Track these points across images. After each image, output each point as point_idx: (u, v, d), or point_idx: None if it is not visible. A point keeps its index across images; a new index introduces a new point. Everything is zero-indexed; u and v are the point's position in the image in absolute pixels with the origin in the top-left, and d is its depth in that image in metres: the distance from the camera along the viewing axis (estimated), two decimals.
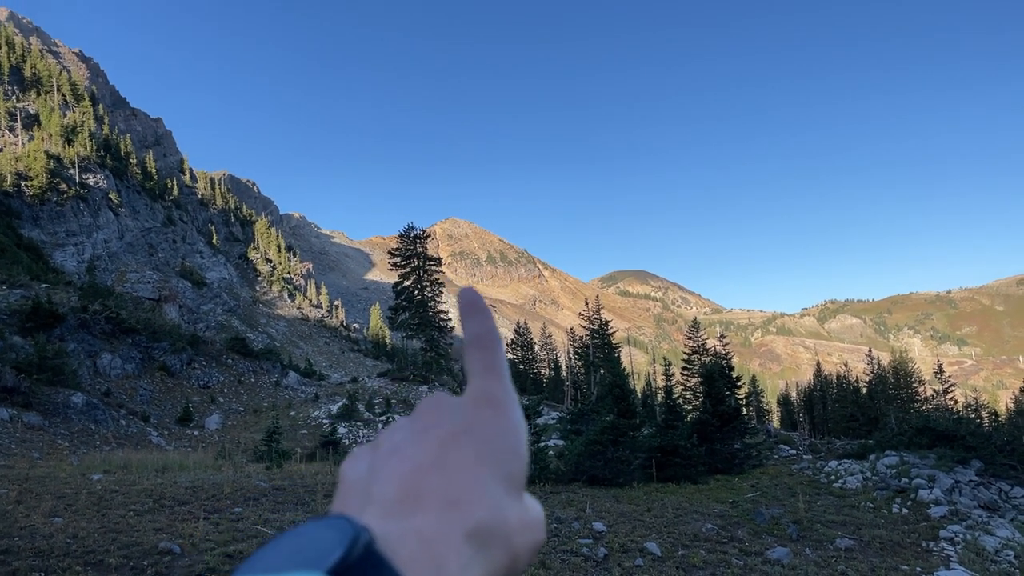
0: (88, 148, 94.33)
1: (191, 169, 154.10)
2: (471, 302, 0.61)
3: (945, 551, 17.75)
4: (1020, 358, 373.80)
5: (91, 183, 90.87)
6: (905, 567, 16.11)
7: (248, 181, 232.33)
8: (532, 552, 0.47)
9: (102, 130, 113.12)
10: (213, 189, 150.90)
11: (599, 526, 16.01)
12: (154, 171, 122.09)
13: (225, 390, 59.20)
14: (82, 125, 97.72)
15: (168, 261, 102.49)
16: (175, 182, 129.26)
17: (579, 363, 62.88)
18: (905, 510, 21.15)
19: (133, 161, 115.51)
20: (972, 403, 62.04)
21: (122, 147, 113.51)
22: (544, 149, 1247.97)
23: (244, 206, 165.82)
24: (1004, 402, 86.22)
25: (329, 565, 0.39)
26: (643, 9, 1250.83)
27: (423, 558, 0.41)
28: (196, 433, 47.64)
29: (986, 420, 54.49)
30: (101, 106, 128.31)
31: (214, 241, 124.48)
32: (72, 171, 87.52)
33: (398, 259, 70.09)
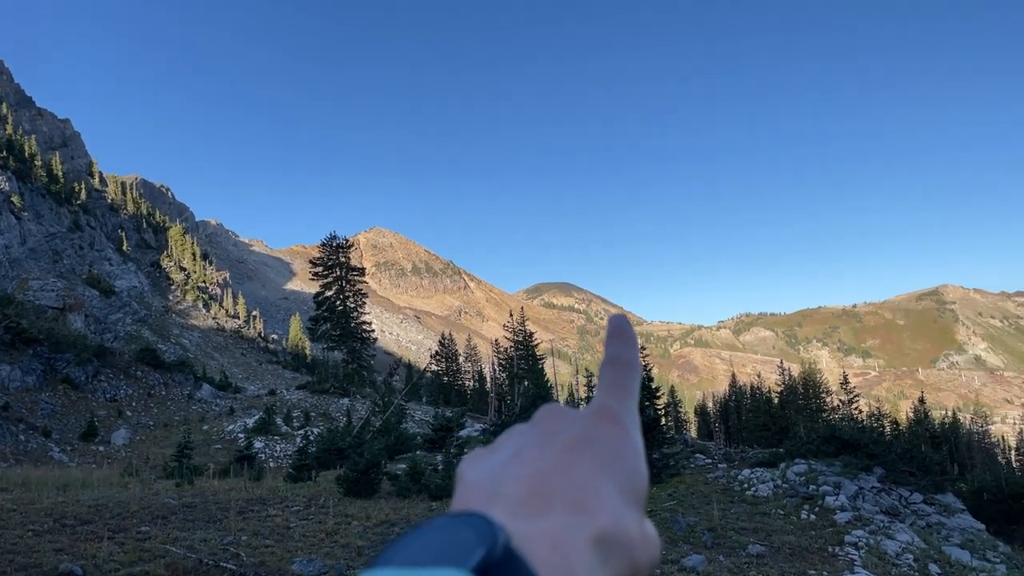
0: None
1: (101, 172, 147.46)
2: (619, 328, 0.62)
3: (850, 555, 18.56)
4: (919, 370, 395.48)
5: None
6: (813, 572, 16.77)
7: (162, 186, 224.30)
8: (651, 568, 0.46)
9: (5, 130, 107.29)
10: (124, 194, 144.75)
11: None
12: (61, 174, 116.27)
13: (134, 403, 56.74)
14: None
15: (74, 268, 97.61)
16: (83, 186, 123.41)
17: (503, 374, 63.00)
18: (813, 516, 22.01)
19: (38, 163, 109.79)
20: (875, 412, 65.07)
21: (26, 148, 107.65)
22: (471, 160, 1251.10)
23: (157, 212, 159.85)
24: (904, 412, 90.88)
25: (473, 564, 0.40)
26: (563, 13, 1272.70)
27: (554, 560, 0.40)
28: (101, 449, 45.50)
29: (888, 429, 57.26)
30: (4, 105, 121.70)
31: (124, 248, 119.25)
32: None
33: (320, 269, 68.80)
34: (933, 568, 18.35)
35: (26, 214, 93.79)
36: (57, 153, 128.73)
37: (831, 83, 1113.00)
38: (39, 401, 49.63)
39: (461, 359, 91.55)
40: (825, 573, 16.69)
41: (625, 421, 0.54)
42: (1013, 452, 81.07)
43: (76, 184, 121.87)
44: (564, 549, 0.41)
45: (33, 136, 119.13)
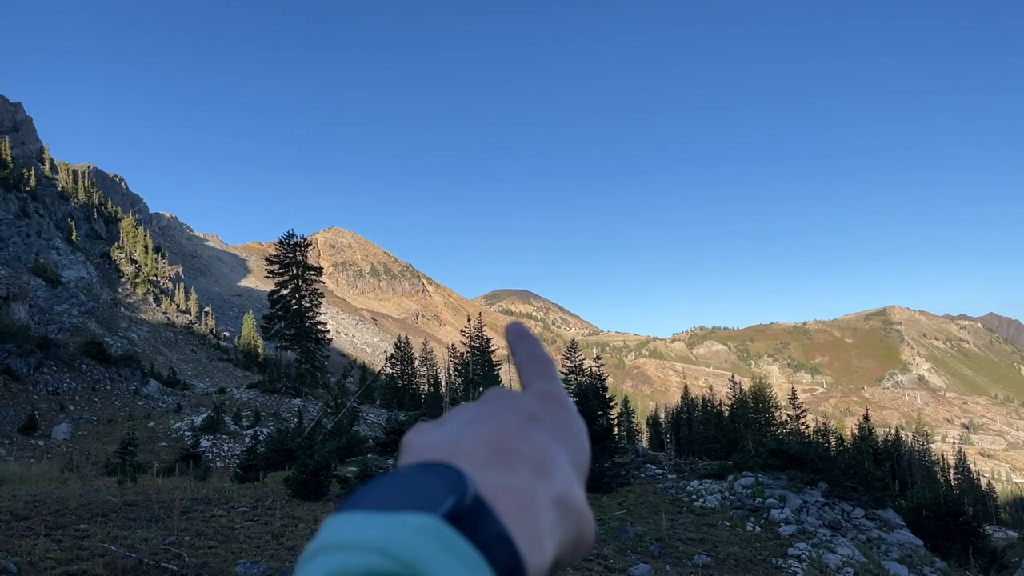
0: None
1: (52, 159, 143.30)
2: (521, 332, 0.64)
3: (792, 568, 18.93)
4: (865, 387, 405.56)
5: None
6: None
7: (115, 176, 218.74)
8: (590, 543, 0.46)
9: None
10: (76, 182, 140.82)
11: None
12: (10, 159, 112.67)
13: (77, 397, 55.16)
14: None
15: (20, 256, 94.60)
16: (32, 172, 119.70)
17: (459, 379, 62.90)
18: (758, 528, 22.40)
19: None
20: (822, 428, 66.59)
21: None
22: (433, 162, 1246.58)
23: (110, 202, 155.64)
24: (850, 428, 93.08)
25: (444, 510, 0.40)
26: (523, 21, 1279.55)
27: (519, 513, 0.41)
28: (41, 443, 44.16)
29: (833, 444, 58.64)
30: None
31: (73, 237, 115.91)
32: None
33: (276, 266, 67.80)
34: None
35: None
36: (7, 137, 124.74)
37: (786, 97, 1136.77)
38: None
39: (417, 363, 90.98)
40: None
41: (568, 403, 0.55)
42: (951, 470, 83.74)
43: (25, 170, 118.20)
44: (529, 505, 0.42)
45: None
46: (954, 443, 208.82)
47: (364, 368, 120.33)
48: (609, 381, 41.24)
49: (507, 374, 72.65)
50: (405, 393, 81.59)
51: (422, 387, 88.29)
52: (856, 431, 74.01)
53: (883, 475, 30.25)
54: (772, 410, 70.16)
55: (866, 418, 69.97)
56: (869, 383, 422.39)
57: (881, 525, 25.15)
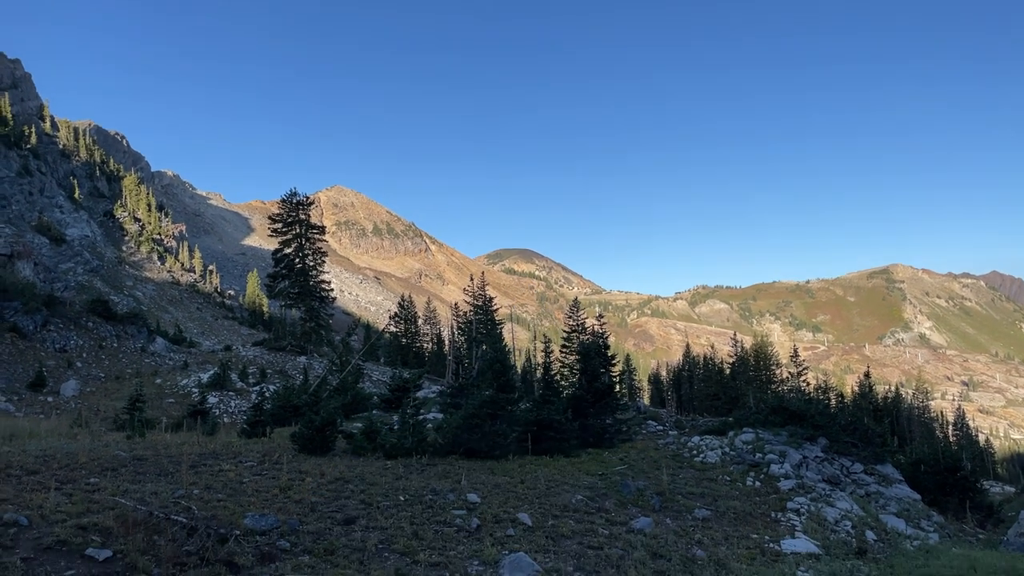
0: None
1: (52, 117, 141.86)
2: None
3: (791, 521, 19.22)
4: (866, 345, 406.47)
5: None
6: (755, 535, 17.33)
7: (116, 134, 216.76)
8: None
9: None
10: (77, 140, 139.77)
11: (473, 497, 16.26)
12: (9, 116, 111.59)
13: (84, 355, 55.60)
14: None
15: (23, 215, 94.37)
16: (33, 129, 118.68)
17: (462, 338, 63.14)
18: (758, 483, 22.69)
19: None
20: (822, 385, 67.04)
21: None
22: (437, 124, 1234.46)
23: (111, 160, 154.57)
24: (850, 385, 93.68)
25: None
26: None
27: None
28: (50, 400, 44.66)
29: (833, 401, 59.12)
30: None
31: (76, 196, 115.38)
32: None
33: (279, 225, 67.66)
34: (869, 535, 19.12)
35: None
36: (6, 94, 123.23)
37: (794, 58, 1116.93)
38: None
39: (420, 321, 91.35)
40: (767, 537, 17.27)
41: None
42: (950, 427, 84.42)
43: (26, 127, 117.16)
44: None
45: None
46: (954, 400, 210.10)
47: (368, 327, 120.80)
48: (611, 339, 41.32)
49: (509, 333, 72.91)
50: (409, 351, 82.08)
51: (426, 345, 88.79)
52: (856, 388, 74.53)
53: (883, 431, 30.45)
54: (773, 368, 70.50)
55: (867, 375, 70.44)
56: (870, 341, 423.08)
57: (880, 480, 25.45)
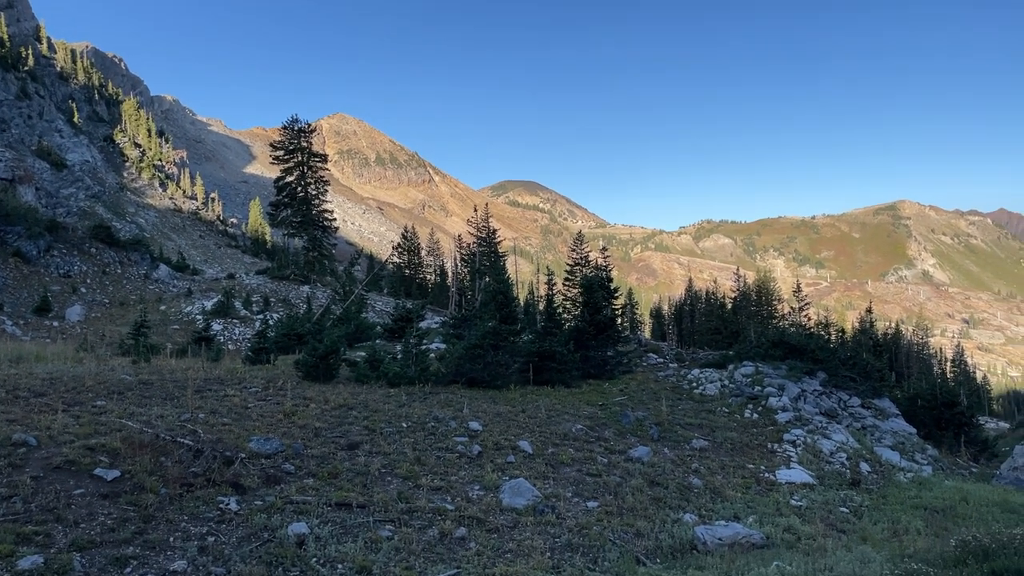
0: None
1: (49, 38, 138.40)
2: None
3: (787, 452, 19.55)
4: (869, 282, 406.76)
5: None
6: (751, 465, 17.66)
7: (114, 56, 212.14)
8: None
9: None
10: (75, 62, 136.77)
11: (475, 425, 16.49)
12: (6, 36, 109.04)
13: (88, 280, 55.84)
14: None
15: (23, 139, 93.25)
16: (30, 51, 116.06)
17: (465, 270, 63.16)
18: (756, 415, 22.99)
19: None
20: (823, 321, 67.14)
21: None
22: (440, 52, 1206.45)
23: (110, 84, 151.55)
24: (851, 321, 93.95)
25: None
26: None
27: None
28: (56, 324, 45.07)
29: (833, 337, 59.32)
30: None
31: (75, 120, 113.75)
32: None
33: (281, 153, 66.91)
34: (864, 467, 19.46)
35: None
36: (2, 15, 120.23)
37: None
38: None
39: (423, 253, 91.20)
40: (763, 467, 17.59)
41: None
42: (948, 363, 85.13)
43: (23, 49, 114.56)
44: None
45: None
46: (953, 337, 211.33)
47: (371, 257, 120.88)
48: (614, 273, 41.21)
49: (512, 265, 72.84)
50: (412, 282, 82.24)
51: (429, 277, 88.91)
52: (857, 324, 74.81)
53: (881, 366, 30.74)
54: (775, 303, 70.59)
55: (869, 311, 70.59)
56: (873, 278, 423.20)
57: (876, 414, 25.78)
